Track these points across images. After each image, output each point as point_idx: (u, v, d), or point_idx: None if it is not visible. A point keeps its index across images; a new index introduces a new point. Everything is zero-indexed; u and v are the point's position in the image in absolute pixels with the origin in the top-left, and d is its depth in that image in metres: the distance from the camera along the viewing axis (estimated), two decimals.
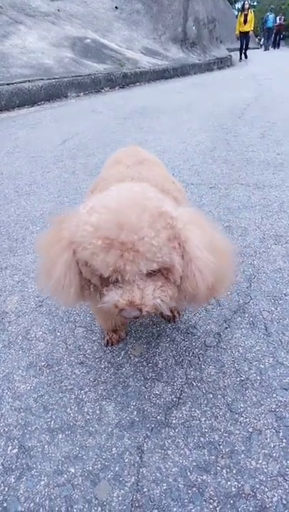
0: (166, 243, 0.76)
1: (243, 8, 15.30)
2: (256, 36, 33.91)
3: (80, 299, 0.91)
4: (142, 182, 1.01)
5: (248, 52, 16.50)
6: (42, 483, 0.90)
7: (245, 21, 15.02)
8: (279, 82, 7.39)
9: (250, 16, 15.06)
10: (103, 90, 7.13)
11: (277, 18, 24.18)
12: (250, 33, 16.06)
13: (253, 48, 25.82)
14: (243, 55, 16.23)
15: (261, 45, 27.06)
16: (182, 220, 0.82)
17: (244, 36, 15.62)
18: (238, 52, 16.32)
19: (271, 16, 22.82)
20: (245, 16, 14.99)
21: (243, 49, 16.12)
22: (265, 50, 24.19)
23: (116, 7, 9.93)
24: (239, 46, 16.33)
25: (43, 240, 0.92)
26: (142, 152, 1.44)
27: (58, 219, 0.91)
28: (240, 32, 15.45)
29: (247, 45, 16.21)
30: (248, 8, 15.19)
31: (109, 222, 0.74)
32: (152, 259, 0.75)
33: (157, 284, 0.80)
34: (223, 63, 12.68)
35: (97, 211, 0.77)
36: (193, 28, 11.77)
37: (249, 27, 15.24)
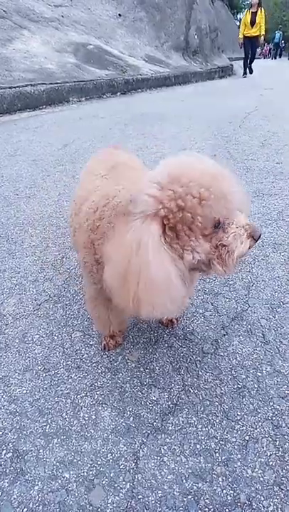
0: None
1: (251, 5, 10.79)
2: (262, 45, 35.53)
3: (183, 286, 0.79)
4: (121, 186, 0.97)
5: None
6: (36, 488, 0.89)
7: (252, 22, 10.54)
8: (280, 92, 7.47)
9: (260, 15, 10.44)
10: (105, 96, 7.18)
11: None
12: (261, 39, 11.05)
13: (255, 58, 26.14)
14: (247, 68, 11.96)
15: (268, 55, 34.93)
16: None
17: (250, 42, 11.01)
18: (239, 62, 12.78)
19: (279, 34, 32.06)
20: (253, 14, 10.47)
21: (248, 59, 11.70)
22: (272, 58, 31.74)
23: (119, 14, 10.03)
24: (243, 55, 11.74)
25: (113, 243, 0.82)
26: (116, 155, 1.30)
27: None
28: (245, 37, 10.91)
29: (253, 55, 11.63)
30: (258, 4, 10.44)
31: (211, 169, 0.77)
32: None
33: None
34: (224, 72, 12.81)
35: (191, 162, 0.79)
36: (196, 36, 11.89)
37: (258, 30, 10.62)
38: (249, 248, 0.81)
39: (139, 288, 0.71)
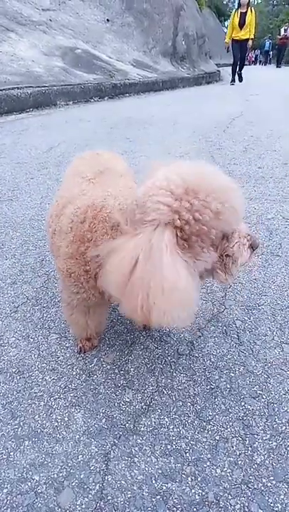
0: None
1: (239, 4, 9.60)
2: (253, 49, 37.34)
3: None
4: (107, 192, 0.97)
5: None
6: (5, 491, 0.88)
7: (241, 24, 9.50)
8: (265, 99, 7.58)
9: (251, 16, 9.44)
10: (92, 100, 7.20)
11: (282, 29, 20.98)
12: (250, 43, 10.06)
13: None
14: (236, 75, 10.86)
15: (259, 62, 37.47)
16: None
17: (239, 46, 9.93)
18: (227, 68, 12.07)
19: (268, 42, 33.91)
20: (243, 15, 9.42)
21: (237, 66, 10.54)
22: (264, 65, 34.20)
23: (107, 19, 10.09)
24: (232, 61, 10.62)
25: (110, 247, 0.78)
26: (104, 158, 1.31)
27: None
28: (233, 40, 9.84)
29: (243, 60, 10.54)
30: (248, 3, 9.47)
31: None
32: None
33: None
34: (211, 78, 12.96)
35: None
36: (183, 42, 12.02)
37: (247, 33, 9.62)
38: (249, 257, 0.86)
39: (152, 293, 0.70)
